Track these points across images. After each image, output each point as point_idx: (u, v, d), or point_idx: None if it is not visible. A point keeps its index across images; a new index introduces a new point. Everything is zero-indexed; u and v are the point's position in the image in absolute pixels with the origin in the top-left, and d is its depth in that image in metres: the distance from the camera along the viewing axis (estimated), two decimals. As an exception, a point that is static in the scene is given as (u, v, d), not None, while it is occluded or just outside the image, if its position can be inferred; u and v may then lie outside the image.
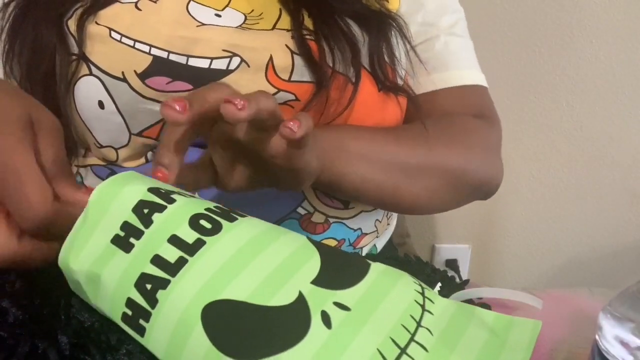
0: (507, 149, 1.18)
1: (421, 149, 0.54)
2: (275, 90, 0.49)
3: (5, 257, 0.34)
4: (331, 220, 0.57)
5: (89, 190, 0.37)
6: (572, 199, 1.27)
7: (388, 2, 0.58)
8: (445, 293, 0.43)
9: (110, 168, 0.53)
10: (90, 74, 0.48)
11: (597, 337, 0.32)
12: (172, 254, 0.33)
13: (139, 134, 0.50)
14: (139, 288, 0.32)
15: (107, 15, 0.48)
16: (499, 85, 1.16)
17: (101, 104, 0.49)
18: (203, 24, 0.49)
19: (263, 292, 0.31)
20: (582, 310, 0.46)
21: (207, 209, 0.35)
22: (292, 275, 0.32)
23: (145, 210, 0.34)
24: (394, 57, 0.55)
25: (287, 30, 0.51)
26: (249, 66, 0.49)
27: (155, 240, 0.33)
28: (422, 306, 0.35)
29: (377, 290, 0.34)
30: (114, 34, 0.47)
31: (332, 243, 0.58)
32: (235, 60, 0.48)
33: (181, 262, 0.32)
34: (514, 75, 1.16)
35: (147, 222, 0.34)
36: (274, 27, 0.51)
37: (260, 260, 0.33)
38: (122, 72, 0.47)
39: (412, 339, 0.32)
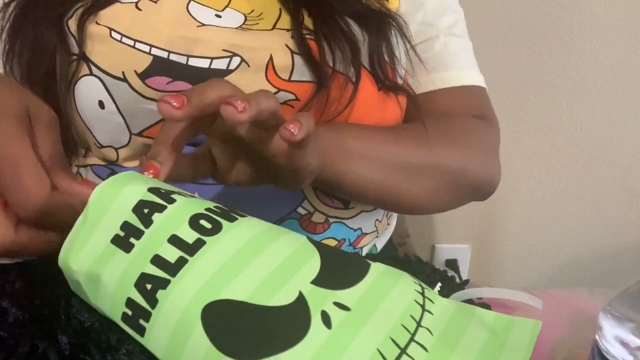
0: (507, 149, 1.19)
1: (421, 148, 0.54)
2: (276, 90, 0.49)
3: (3, 245, 0.34)
4: (331, 220, 0.57)
5: (86, 181, 0.37)
6: (572, 199, 1.27)
7: (388, 1, 0.58)
8: (445, 293, 0.43)
9: (111, 168, 0.53)
10: (91, 74, 0.48)
11: (597, 337, 0.32)
12: (172, 254, 0.33)
13: (140, 134, 0.50)
14: (139, 288, 0.32)
15: (107, 15, 0.48)
16: (499, 85, 1.16)
17: (101, 104, 0.49)
18: (203, 24, 0.49)
19: (263, 292, 0.31)
20: (582, 310, 0.46)
21: (207, 209, 0.35)
22: (292, 275, 0.32)
23: (146, 210, 0.34)
24: (393, 57, 0.55)
25: (287, 30, 0.51)
26: (249, 66, 0.49)
27: (155, 240, 0.33)
28: (422, 306, 0.35)
29: (377, 290, 0.34)
30: (114, 34, 0.47)
31: (332, 243, 0.58)
32: (236, 60, 0.48)
33: (181, 262, 0.32)
34: (514, 75, 1.16)
35: (147, 222, 0.34)
36: (273, 27, 0.51)
37: (260, 260, 0.33)
38: (123, 72, 0.47)
39: (412, 339, 0.32)
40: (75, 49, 0.48)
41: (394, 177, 0.52)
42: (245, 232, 0.34)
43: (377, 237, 0.64)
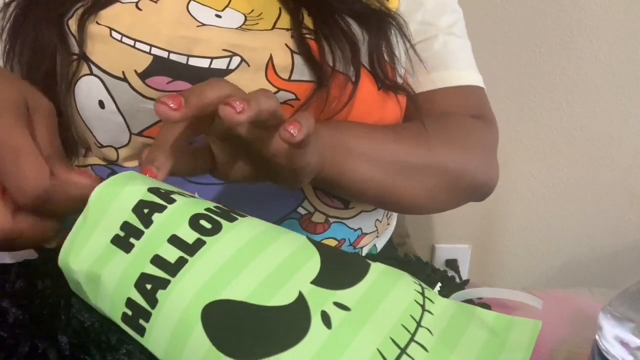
0: (507, 149, 1.19)
1: (421, 148, 0.54)
2: (276, 89, 0.49)
3: (1, 232, 0.34)
4: (331, 220, 0.57)
5: (84, 172, 0.37)
6: (572, 199, 1.27)
7: (388, 1, 0.58)
8: (445, 293, 0.43)
9: (111, 168, 0.53)
10: (91, 73, 0.48)
11: (597, 337, 0.32)
12: (172, 254, 0.33)
13: (140, 134, 0.50)
14: (139, 288, 0.32)
15: (107, 15, 0.48)
16: (499, 85, 1.16)
17: (101, 104, 0.49)
18: (203, 24, 0.49)
19: (263, 292, 0.31)
20: (582, 310, 0.46)
21: (207, 209, 0.35)
22: (292, 275, 0.32)
23: (145, 210, 0.34)
24: (393, 56, 0.55)
25: (287, 30, 0.51)
26: (249, 66, 0.49)
27: (155, 240, 0.33)
28: (422, 306, 0.35)
29: (377, 290, 0.34)
30: (114, 34, 0.47)
31: (333, 243, 0.58)
32: (236, 60, 0.48)
33: (181, 262, 0.32)
34: (514, 75, 1.16)
35: (147, 222, 0.34)
36: (273, 27, 0.51)
37: (260, 260, 0.33)
38: (123, 72, 0.47)
39: (412, 339, 0.32)
40: (75, 48, 0.48)
41: (393, 177, 0.52)
42: (245, 232, 0.34)
43: (377, 237, 0.64)
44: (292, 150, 0.38)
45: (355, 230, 0.59)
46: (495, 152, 0.62)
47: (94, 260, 0.34)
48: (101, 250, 0.34)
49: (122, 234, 0.34)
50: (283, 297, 0.31)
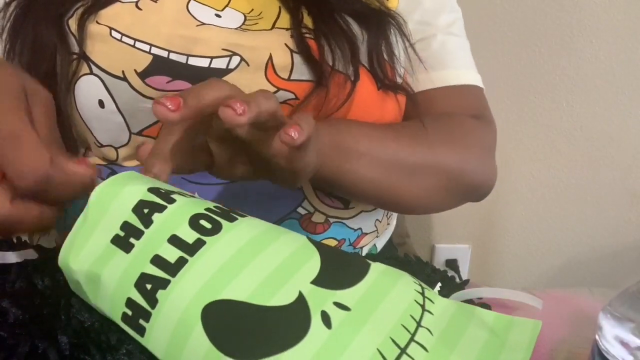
0: (507, 149, 1.19)
1: (420, 148, 0.54)
2: (275, 89, 0.49)
3: None
4: (331, 220, 0.57)
5: (83, 160, 0.36)
6: (572, 199, 1.27)
7: (388, 0, 0.58)
8: (445, 293, 0.43)
9: (111, 167, 0.53)
10: (91, 73, 0.48)
11: (597, 337, 0.32)
12: (172, 254, 0.33)
13: (139, 133, 0.50)
14: (139, 288, 0.32)
15: (107, 14, 0.48)
16: (499, 85, 1.16)
17: (101, 103, 0.49)
18: (203, 24, 0.49)
19: (263, 292, 0.31)
20: (582, 310, 0.46)
21: (207, 209, 0.35)
22: (292, 275, 0.32)
23: (145, 210, 0.34)
24: (393, 55, 0.55)
25: (287, 29, 0.51)
26: (248, 65, 0.49)
27: (155, 240, 0.33)
28: (422, 306, 0.35)
29: (377, 290, 0.34)
30: (114, 33, 0.47)
31: (332, 243, 0.58)
32: (235, 60, 0.48)
33: (181, 262, 0.32)
34: (514, 75, 1.16)
35: (147, 222, 0.34)
36: (273, 27, 0.51)
37: (260, 260, 0.33)
38: (123, 71, 0.47)
39: (412, 339, 0.32)
40: (75, 48, 0.48)
41: (392, 176, 0.52)
42: (245, 232, 0.34)
43: (377, 237, 0.64)
44: (292, 152, 0.38)
45: (355, 230, 0.59)
46: (494, 152, 0.62)
47: (94, 260, 0.34)
48: (101, 250, 0.34)
49: (122, 233, 0.34)
50: (283, 297, 0.31)
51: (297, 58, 0.50)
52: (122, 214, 0.34)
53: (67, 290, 0.36)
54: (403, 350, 0.31)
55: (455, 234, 1.31)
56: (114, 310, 0.33)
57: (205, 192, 0.51)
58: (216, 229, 0.34)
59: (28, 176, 0.33)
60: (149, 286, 0.32)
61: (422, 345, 0.32)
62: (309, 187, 0.55)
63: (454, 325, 0.35)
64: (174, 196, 0.35)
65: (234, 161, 0.42)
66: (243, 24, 0.51)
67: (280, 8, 0.53)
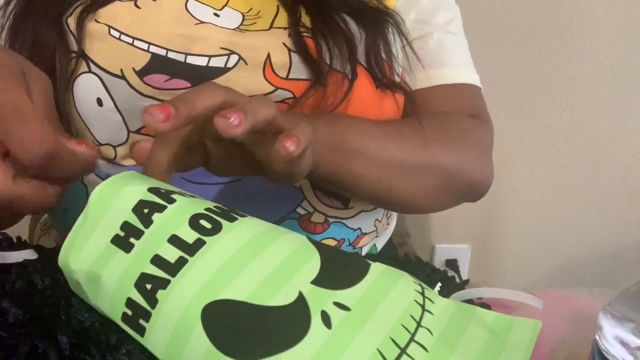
0: (507, 149, 1.19)
1: (418, 147, 0.54)
2: (273, 88, 0.49)
3: (0, 195, 0.34)
4: (330, 220, 0.57)
5: (82, 141, 0.37)
6: (572, 199, 1.27)
7: None
8: (445, 293, 0.43)
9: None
10: (89, 71, 0.48)
11: (597, 337, 0.32)
12: (172, 254, 0.33)
13: (138, 132, 0.50)
14: (139, 288, 0.32)
15: (106, 13, 0.48)
16: (499, 85, 1.16)
17: (99, 102, 0.49)
18: (202, 22, 0.49)
19: (263, 292, 0.31)
20: (582, 310, 0.46)
21: (207, 209, 0.35)
22: (292, 275, 0.32)
23: (145, 210, 0.34)
24: (390, 54, 0.55)
25: (284, 29, 0.51)
26: (246, 64, 0.49)
27: (155, 240, 0.33)
28: (422, 306, 0.35)
29: (377, 290, 0.34)
30: (113, 32, 0.47)
31: (332, 243, 0.58)
32: (233, 58, 0.48)
33: (181, 262, 0.32)
34: (514, 75, 1.16)
35: (147, 222, 0.34)
36: (271, 26, 0.51)
37: (260, 260, 0.33)
38: (121, 70, 0.47)
39: (412, 339, 0.32)
40: (74, 46, 0.48)
41: (390, 176, 0.52)
42: (245, 232, 0.34)
43: (376, 237, 0.64)
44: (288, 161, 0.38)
45: (355, 230, 0.59)
46: (491, 152, 0.62)
47: (94, 260, 0.34)
48: (101, 250, 0.34)
49: (122, 233, 0.34)
50: (283, 297, 0.31)
51: (295, 57, 0.50)
52: (122, 213, 0.34)
53: (67, 290, 0.36)
54: (403, 350, 0.31)
55: (455, 234, 1.31)
56: (114, 310, 0.33)
57: (205, 192, 0.51)
58: (216, 229, 0.34)
59: (34, 149, 0.32)
60: (149, 286, 0.32)
61: (422, 345, 0.32)
62: (308, 187, 0.55)
63: (454, 325, 0.35)
64: (174, 196, 0.35)
65: (229, 157, 0.42)
66: (241, 23, 0.51)
67: (278, 7, 0.53)
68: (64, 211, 0.56)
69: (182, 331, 0.30)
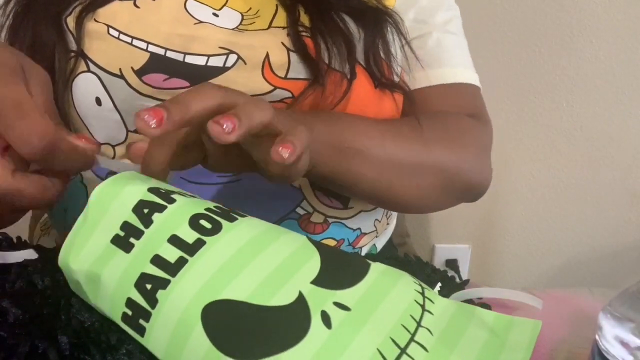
0: (507, 149, 1.19)
1: (417, 146, 0.54)
2: (272, 87, 0.49)
3: None
4: (330, 220, 0.57)
5: (82, 135, 0.37)
6: (572, 199, 1.27)
7: None
8: (445, 293, 0.43)
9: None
10: (88, 70, 0.48)
11: (597, 337, 0.32)
12: (172, 254, 0.33)
13: (136, 131, 0.50)
14: (139, 288, 0.32)
15: (105, 13, 0.48)
16: (499, 85, 1.16)
17: (98, 101, 0.49)
18: (201, 22, 0.49)
19: (263, 292, 0.31)
20: (582, 310, 0.46)
21: (207, 209, 0.35)
22: (292, 275, 0.32)
23: (145, 210, 0.34)
24: (389, 54, 0.55)
25: (283, 28, 0.51)
26: (245, 63, 0.49)
27: (155, 240, 0.33)
28: (422, 306, 0.35)
29: (377, 290, 0.34)
30: (112, 31, 0.47)
31: (331, 243, 0.58)
32: (232, 58, 0.48)
33: (181, 262, 0.32)
34: (514, 75, 1.16)
35: (147, 222, 0.34)
36: (269, 25, 0.51)
37: (260, 260, 0.33)
38: (120, 69, 0.48)
39: (412, 339, 0.32)
40: (73, 46, 0.48)
41: (389, 175, 0.52)
42: (245, 232, 0.34)
43: (376, 237, 0.64)
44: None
45: (354, 230, 0.59)
46: (490, 153, 0.62)
47: (94, 260, 0.34)
48: (101, 250, 0.34)
49: (122, 233, 0.34)
50: (283, 297, 0.31)
51: (294, 56, 0.50)
52: (122, 213, 0.34)
53: (67, 290, 0.36)
54: (403, 350, 0.31)
55: (455, 234, 1.31)
56: (114, 310, 0.33)
57: (204, 191, 0.51)
58: (216, 229, 0.34)
59: (34, 142, 0.33)
60: (149, 286, 0.32)
61: (422, 345, 0.32)
62: (307, 187, 0.55)
63: (454, 325, 0.35)
64: (174, 196, 0.35)
65: (226, 155, 0.42)
66: (240, 23, 0.51)
67: (277, 6, 0.53)
68: (64, 211, 0.56)
69: (182, 331, 0.30)
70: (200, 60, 0.48)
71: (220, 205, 0.36)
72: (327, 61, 0.50)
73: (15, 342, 0.33)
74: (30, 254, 0.41)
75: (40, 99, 0.35)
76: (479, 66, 0.64)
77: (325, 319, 0.31)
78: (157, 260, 0.33)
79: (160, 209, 0.34)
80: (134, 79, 0.48)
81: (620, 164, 1.24)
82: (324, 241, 0.58)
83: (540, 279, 1.36)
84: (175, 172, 0.43)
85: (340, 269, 0.34)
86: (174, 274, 0.32)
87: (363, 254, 0.62)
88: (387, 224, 0.66)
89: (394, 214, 0.69)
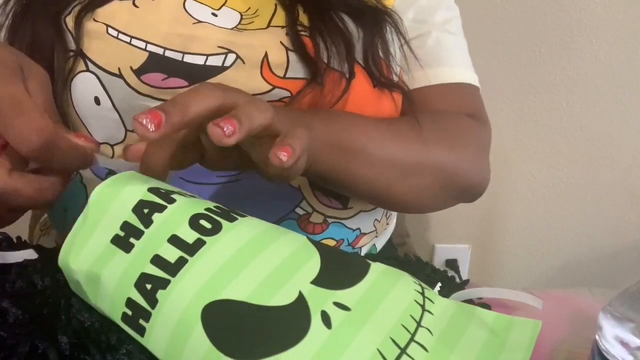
0: (507, 149, 1.19)
1: (416, 146, 0.54)
2: (271, 87, 0.49)
3: None
4: (329, 220, 0.57)
5: (81, 134, 0.37)
6: (572, 199, 1.27)
7: None
8: (445, 293, 0.43)
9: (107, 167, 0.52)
10: (87, 70, 0.48)
11: (597, 337, 0.32)
12: (172, 254, 0.33)
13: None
14: (139, 288, 0.32)
15: (105, 12, 0.48)
16: (499, 85, 1.16)
17: (97, 100, 0.49)
18: (200, 22, 0.49)
19: (263, 292, 0.31)
20: (582, 310, 0.46)
21: (207, 209, 0.35)
22: (292, 275, 0.32)
23: (145, 210, 0.34)
24: (388, 53, 0.55)
25: (282, 27, 0.51)
26: (244, 63, 0.49)
27: (155, 240, 0.33)
28: (422, 306, 0.35)
29: (377, 290, 0.34)
30: (111, 31, 0.48)
31: (331, 243, 0.58)
32: (231, 57, 0.48)
33: (181, 262, 0.32)
34: (514, 75, 1.16)
35: (147, 222, 0.34)
36: (268, 25, 0.51)
37: (260, 260, 0.33)
38: (118, 68, 0.48)
39: (412, 339, 0.32)
40: (72, 45, 0.48)
41: (387, 175, 0.52)
42: (245, 232, 0.34)
43: (376, 237, 0.64)
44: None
45: (354, 230, 0.59)
46: (488, 152, 0.62)
47: (94, 260, 0.34)
48: (101, 250, 0.34)
49: (122, 233, 0.34)
50: (283, 297, 0.31)
51: (293, 56, 0.50)
52: (122, 213, 0.34)
53: (67, 290, 0.36)
54: (403, 350, 0.31)
55: (455, 234, 1.31)
56: (114, 310, 0.33)
57: (204, 191, 0.51)
58: (216, 229, 0.34)
59: (33, 139, 0.33)
60: (149, 286, 0.32)
61: (422, 345, 0.32)
62: (307, 187, 0.55)
63: (454, 325, 0.35)
64: (174, 196, 0.35)
65: (224, 153, 0.42)
66: (239, 23, 0.51)
67: (276, 6, 0.53)
68: (64, 211, 0.56)
69: (182, 331, 0.30)
70: (199, 60, 0.48)
71: (220, 205, 0.36)
72: (326, 60, 0.50)
73: (15, 342, 0.33)
74: (30, 254, 0.41)
75: (39, 98, 0.35)
76: (479, 66, 0.64)
77: (325, 319, 0.31)
78: (157, 260, 0.33)
79: (160, 209, 0.34)
80: (133, 79, 0.48)
81: (620, 164, 1.24)
82: (324, 241, 0.58)
83: (540, 279, 1.36)
84: (174, 172, 0.43)
85: (340, 269, 0.34)
86: (174, 274, 0.32)
87: (363, 254, 0.62)
88: (387, 224, 0.66)
89: (394, 214, 0.69)
